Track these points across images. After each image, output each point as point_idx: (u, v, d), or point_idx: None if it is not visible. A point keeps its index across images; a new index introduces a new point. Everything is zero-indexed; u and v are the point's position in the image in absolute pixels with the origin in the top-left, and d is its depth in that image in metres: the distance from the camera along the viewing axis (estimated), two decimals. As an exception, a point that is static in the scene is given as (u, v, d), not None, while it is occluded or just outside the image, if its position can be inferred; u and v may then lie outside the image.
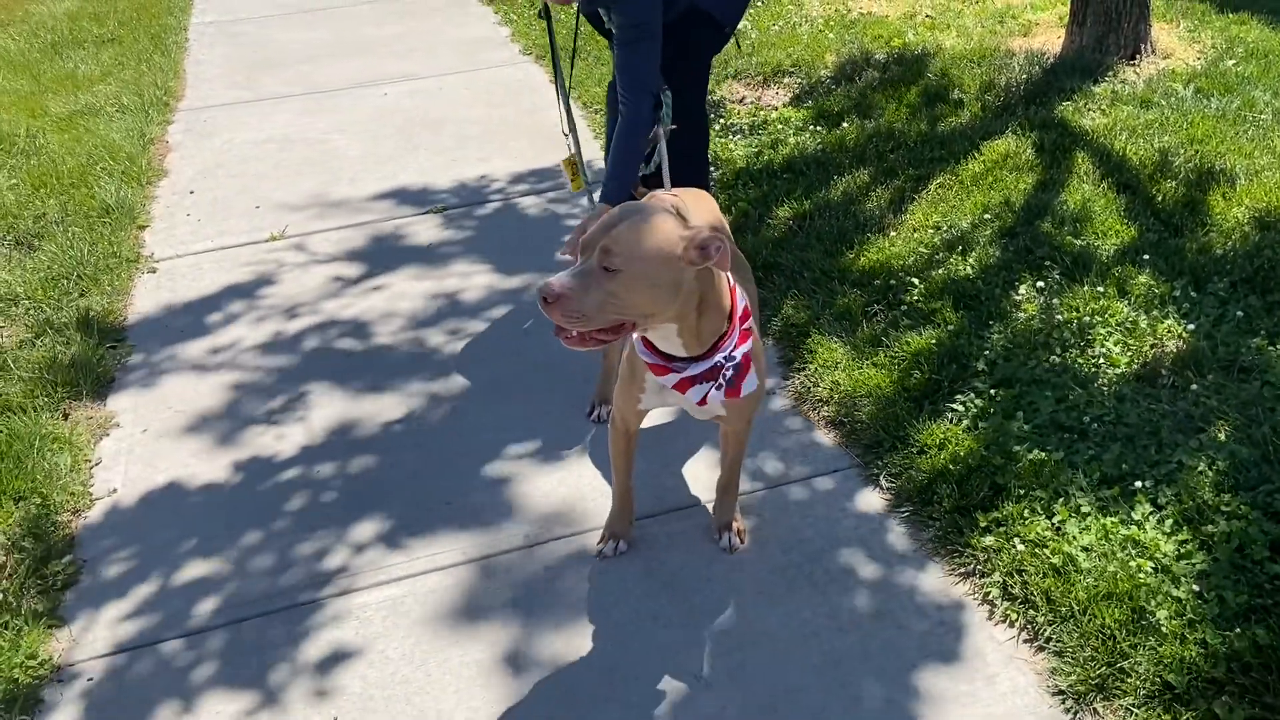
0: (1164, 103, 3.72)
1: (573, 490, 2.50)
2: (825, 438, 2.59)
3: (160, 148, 4.74)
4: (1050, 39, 4.42)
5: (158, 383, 3.02)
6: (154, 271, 3.66)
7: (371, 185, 4.21)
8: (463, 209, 3.97)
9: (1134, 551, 2.05)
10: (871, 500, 2.38)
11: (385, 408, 2.85)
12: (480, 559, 2.31)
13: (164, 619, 2.21)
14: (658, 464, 2.55)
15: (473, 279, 3.46)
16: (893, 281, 3.00)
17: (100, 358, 3.10)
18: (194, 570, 2.34)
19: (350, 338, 3.18)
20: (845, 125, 4.00)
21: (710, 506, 2.38)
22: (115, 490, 2.61)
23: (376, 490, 2.55)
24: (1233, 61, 4.05)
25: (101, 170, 4.35)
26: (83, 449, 2.76)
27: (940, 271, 3.00)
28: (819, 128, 4.06)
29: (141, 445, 2.77)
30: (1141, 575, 1.99)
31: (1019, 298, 2.84)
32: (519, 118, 4.78)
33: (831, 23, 5.20)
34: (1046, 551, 2.08)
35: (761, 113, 4.31)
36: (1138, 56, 3.99)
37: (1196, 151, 3.40)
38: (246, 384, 3.00)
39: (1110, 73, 3.94)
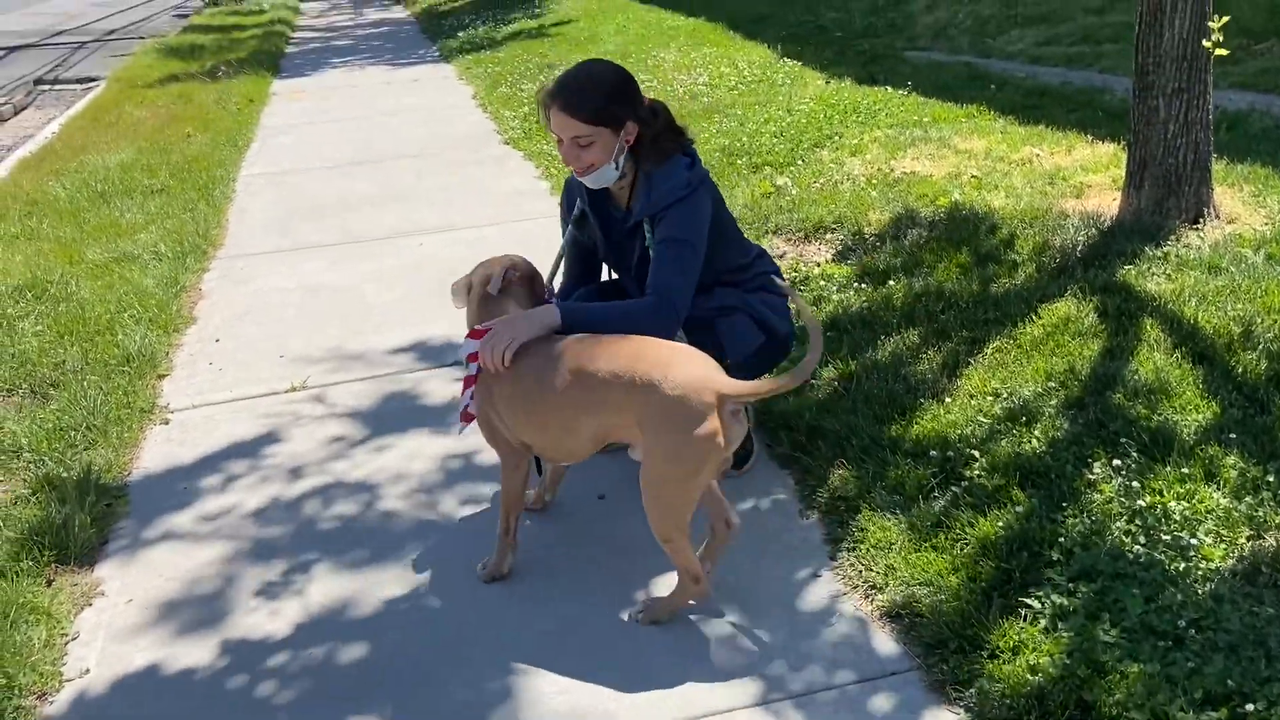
0: (1234, 269, 3.51)
1: (592, 698, 2.21)
2: (880, 633, 2.30)
3: (192, 295, 4.67)
4: (1105, 201, 4.27)
5: (150, 548, 2.81)
6: (166, 423, 3.49)
7: (397, 335, 4.08)
8: (492, 363, 3.79)
9: (1256, 793, 1.72)
10: (938, 716, 2.06)
11: (389, 582, 2.60)
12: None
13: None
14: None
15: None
16: (950, 453, 2.74)
17: (95, 517, 2.90)
18: (160, 772, 2.06)
19: (357, 502, 2.96)
20: (892, 283, 3.83)
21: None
22: (88, 671, 2.36)
23: (375, 681, 2.27)
24: (1302, 226, 3.86)
25: (129, 318, 4.26)
26: (61, 621, 2.52)
27: (1004, 444, 2.74)
28: (864, 285, 3.89)
29: (123, 618, 2.54)
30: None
31: (1093, 477, 2.57)
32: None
33: (874, 180, 5.11)
34: (1149, 789, 1.76)
35: (803, 269, 4.16)
36: (1200, 220, 3.82)
37: (1276, 321, 3.16)
38: (244, 552, 2.77)
39: (1172, 237, 3.75)
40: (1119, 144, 5.10)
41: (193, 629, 2.48)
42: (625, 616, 2.40)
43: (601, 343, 2.35)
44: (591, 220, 2.83)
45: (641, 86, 2.71)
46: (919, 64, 7.73)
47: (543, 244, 5.14)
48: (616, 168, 2.63)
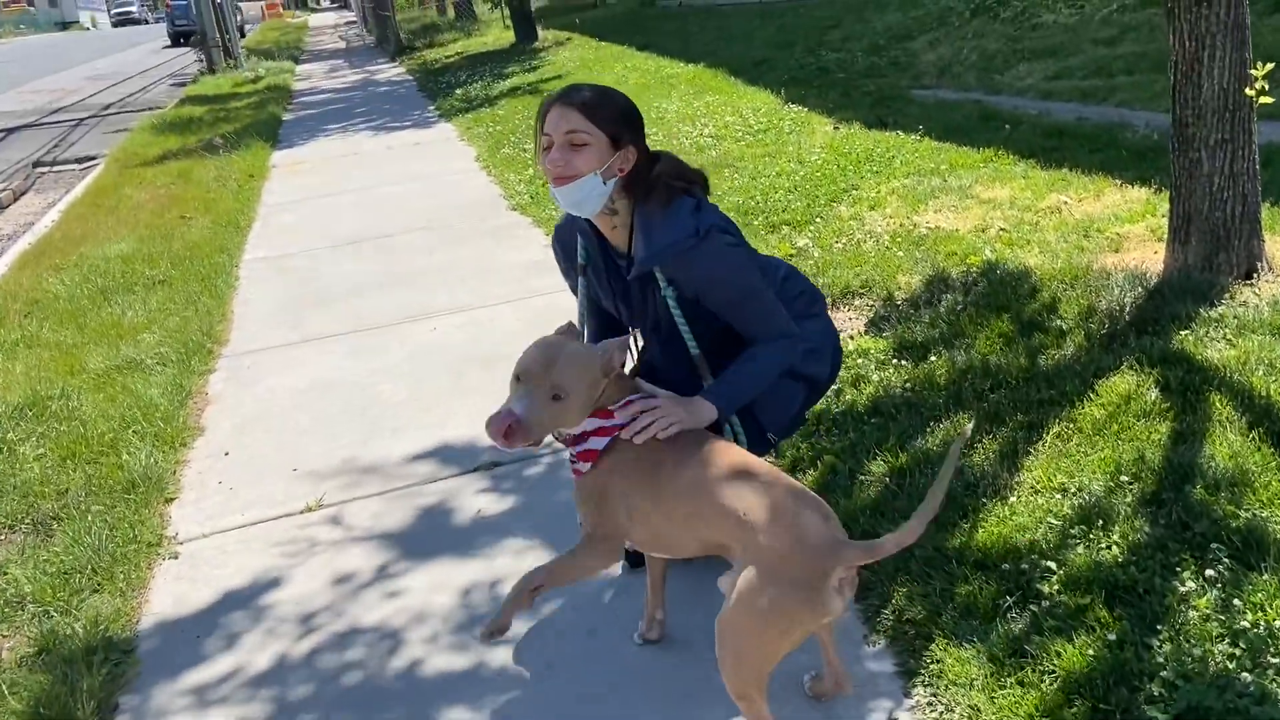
0: (1301, 328, 3.30)
1: None
2: (970, 789, 2.07)
3: (199, 401, 4.49)
4: (1146, 255, 4.07)
5: (166, 714, 2.60)
6: (175, 557, 3.30)
7: (415, 438, 3.88)
8: (511, 465, 3.60)
9: None
10: None
11: (427, 747, 2.38)
12: None
13: None
14: None
15: (523, 559, 3.04)
16: (1024, 565, 2.53)
17: (103, 680, 2.70)
18: None
19: (379, 651, 2.73)
20: (933, 359, 3.63)
21: None
22: None
23: None
24: (1360, 273, 3.65)
25: (134, 434, 4.08)
26: (72, 810, 2.31)
27: (1080, 553, 2.53)
28: (903, 361, 3.69)
29: (138, 805, 2.33)
30: None
31: (1184, 590, 2.35)
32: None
33: (898, 238, 4.93)
34: None
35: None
36: (1254, 275, 3.62)
37: (1354, 386, 2.95)
38: (266, 715, 2.56)
39: (1225, 295, 3.55)
40: (1150, 187, 4.92)
41: (213, 815, 2.27)
42: None
43: (736, 458, 2.19)
44: (593, 266, 2.64)
45: (647, 140, 2.53)
46: (927, 103, 7.57)
47: (559, 320, 4.96)
48: (603, 184, 2.40)
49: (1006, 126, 6.46)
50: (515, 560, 3.05)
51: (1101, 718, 2.09)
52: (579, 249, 2.65)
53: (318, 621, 2.90)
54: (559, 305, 5.04)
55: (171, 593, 3.11)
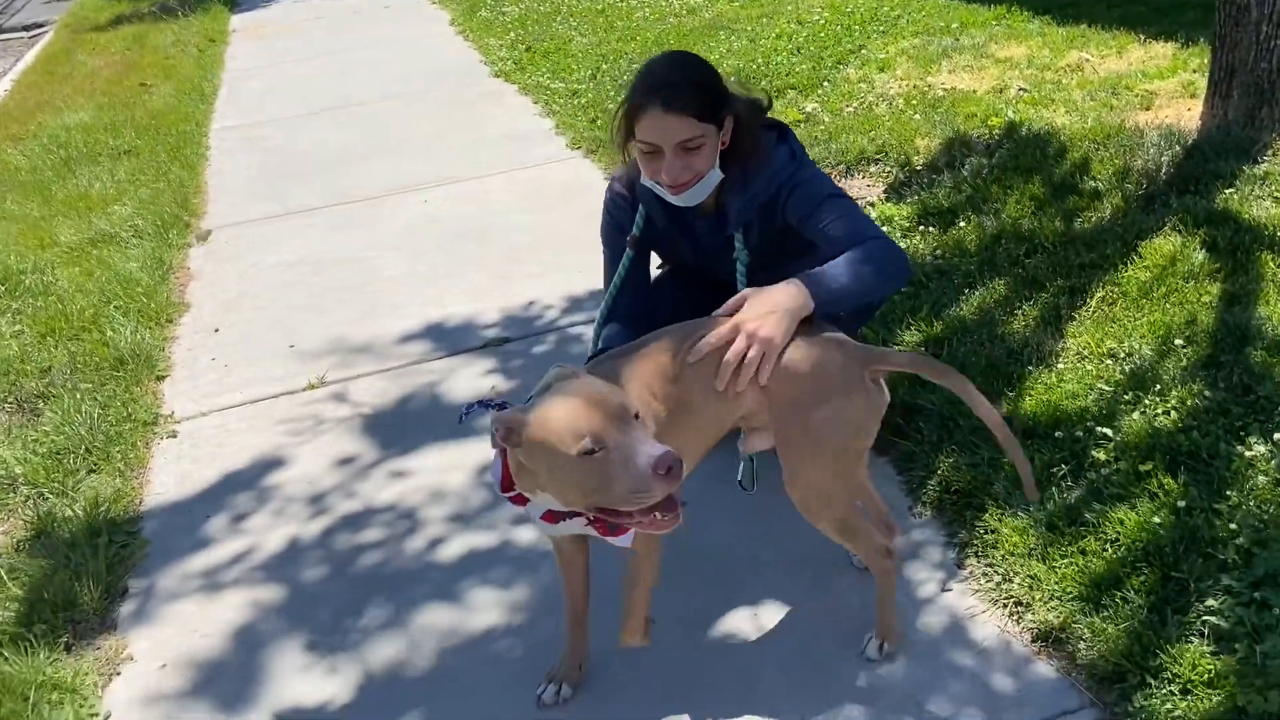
0: (1349, 185, 3.16)
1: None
2: (1037, 661, 2.00)
3: (181, 276, 4.26)
4: (1180, 112, 3.89)
5: (176, 599, 2.47)
6: (174, 436, 3.13)
7: (416, 314, 3.69)
8: (519, 343, 3.43)
9: None
10: (1127, 766, 1.78)
11: (453, 629, 2.28)
12: None
13: None
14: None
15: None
16: (1078, 433, 2.42)
17: (110, 563, 2.56)
18: None
19: (397, 530, 2.61)
20: (962, 224, 3.46)
21: None
22: (129, 764, 2.05)
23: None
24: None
25: (116, 309, 3.86)
26: (88, 698, 2.20)
27: (1135, 419, 2.42)
28: (929, 228, 3.52)
29: (160, 689, 2.22)
30: None
31: (1251, 455, 2.25)
32: (574, 223, 4.27)
33: (912, 101, 4.69)
34: None
35: (856, 210, 3.78)
36: (1298, 131, 3.45)
37: None
38: (284, 599, 2.44)
39: (1268, 151, 3.39)
40: (1176, 42, 4.69)
41: (243, 699, 2.17)
42: (867, 651, 2.04)
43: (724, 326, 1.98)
44: (655, 236, 2.40)
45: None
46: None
47: (553, 193, 4.74)
48: (718, 170, 2.20)
49: (1017, -18, 6.15)
50: (535, 435, 2.91)
51: (1174, 586, 2.01)
52: (637, 220, 2.38)
53: (329, 502, 2.76)
54: (550, 178, 4.81)
55: (174, 472, 2.96)
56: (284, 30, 9.38)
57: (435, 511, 2.66)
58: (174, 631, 2.38)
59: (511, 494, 1.76)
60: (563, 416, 1.57)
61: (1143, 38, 4.82)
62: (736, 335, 1.91)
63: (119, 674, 2.27)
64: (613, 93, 5.74)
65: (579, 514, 1.70)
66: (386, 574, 2.47)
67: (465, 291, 3.81)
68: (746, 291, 2.01)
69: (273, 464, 2.95)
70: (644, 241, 2.39)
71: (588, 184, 4.68)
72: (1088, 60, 4.66)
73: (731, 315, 1.98)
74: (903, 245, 3.43)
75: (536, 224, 4.32)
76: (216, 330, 3.76)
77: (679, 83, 2.12)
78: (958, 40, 5.38)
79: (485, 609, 2.32)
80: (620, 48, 6.54)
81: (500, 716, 2.05)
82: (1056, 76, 4.57)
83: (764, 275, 2.18)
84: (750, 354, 1.89)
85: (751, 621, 2.18)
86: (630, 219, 2.39)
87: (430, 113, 6.11)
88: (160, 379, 3.47)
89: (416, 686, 2.14)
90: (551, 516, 1.74)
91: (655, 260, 2.61)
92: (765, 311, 1.94)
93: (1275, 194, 3.17)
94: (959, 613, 2.14)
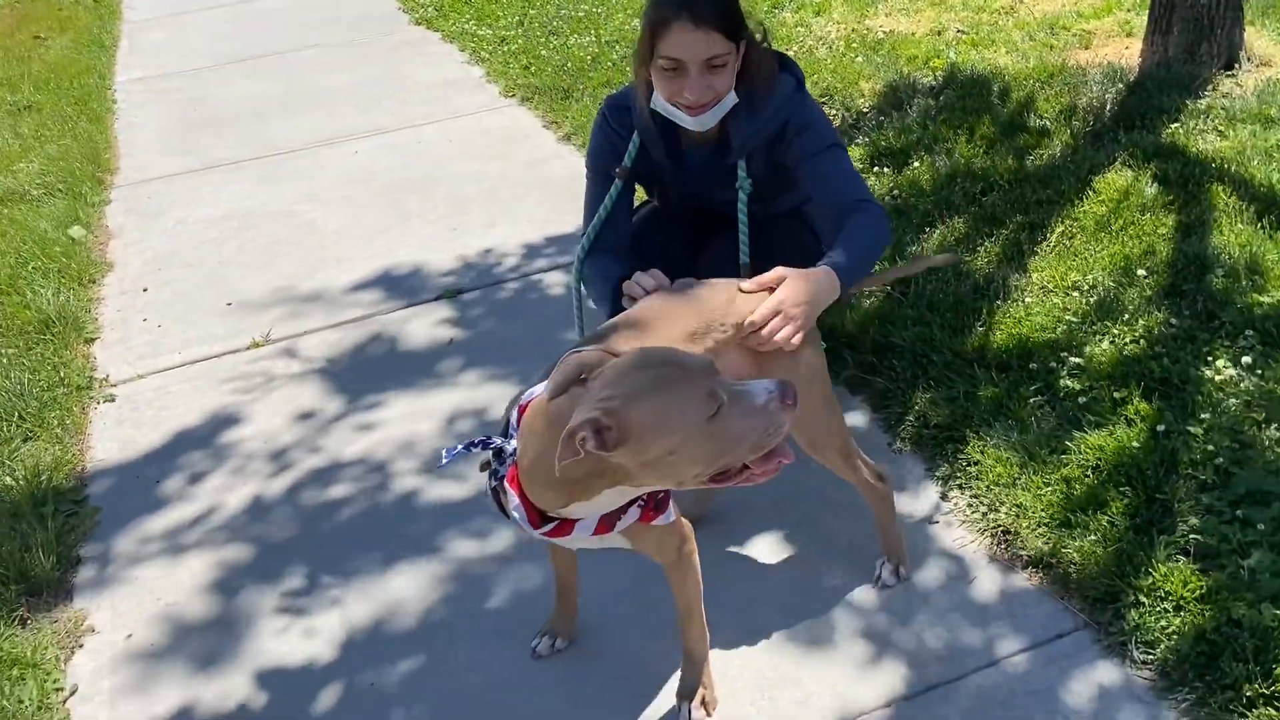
0: (1287, 118, 3.24)
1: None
2: (1028, 586, 2.02)
3: (100, 235, 4.03)
4: (1118, 50, 3.95)
5: (134, 565, 2.35)
6: (111, 400, 2.97)
7: (364, 266, 3.56)
8: (477, 291, 3.34)
9: None
10: (1130, 683, 1.81)
11: (444, 579, 2.21)
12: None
13: None
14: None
15: (504, 389, 2.82)
16: (1052, 363, 2.45)
17: (60, 532, 2.42)
18: None
19: (368, 484, 2.52)
20: (915, 164, 3.46)
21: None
22: (102, 737, 1.95)
23: (456, 708, 1.92)
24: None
25: (34, 270, 3.64)
26: (51, 672, 2.08)
27: (1105, 348, 2.46)
28: (883, 169, 3.52)
29: (125, 660, 2.10)
30: None
31: (1221, 379, 2.30)
32: (519, 172, 4.16)
33: (852, 44, 4.68)
34: None
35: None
36: (1235, 66, 3.53)
37: (1350, 172, 2.92)
38: (251, 559, 2.34)
39: (1209, 86, 3.46)
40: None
41: (217, 663, 2.07)
42: (882, 577, 2.05)
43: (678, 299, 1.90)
44: (647, 166, 2.31)
45: None
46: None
47: (493, 141, 4.60)
48: (734, 94, 2.13)
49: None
50: (498, 387, 2.83)
51: (1159, 508, 2.05)
52: (630, 149, 2.27)
53: (292, 458, 2.65)
54: (488, 126, 4.67)
55: (115, 437, 2.81)
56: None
57: (406, 464, 2.58)
58: (136, 600, 2.26)
59: (550, 526, 1.54)
60: (667, 390, 1.37)
61: (1074, -21, 4.88)
62: (777, 315, 1.84)
63: (81, 646, 2.15)
64: (543, 39, 5.60)
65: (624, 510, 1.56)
66: (360, 530, 2.38)
67: (414, 243, 3.68)
68: (785, 271, 1.91)
69: (224, 422, 2.82)
70: (634, 173, 2.32)
71: (527, 132, 4.57)
72: (1022, 2, 4.70)
73: (768, 289, 1.89)
74: (858, 186, 3.42)
75: (481, 174, 4.19)
76: (145, 290, 3.57)
77: None
78: (891, -16, 5.38)
79: (468, 561, 2.25)
80: (545, -3, 6.38)
81: (490, 665, 2.00)
82: (993, 18, 4.60)
83: (757, 206, 2.13)
84: (780, 336, 1.83)
85: (748, 564, 2.16)
86: (624, 147, 2.30)
87: (350, 63, 5.87)
88: (90, 341, 3.28)
89: (402, 641, 2.08)
90: (606, 525, 1.55)
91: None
92: (804, 300, 1.87)
93: (1219, 128, 3.25)
94: (948, 544, 2.15)
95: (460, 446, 1.59)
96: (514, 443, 1.56)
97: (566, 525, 1.54)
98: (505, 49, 5.59)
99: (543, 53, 5.40)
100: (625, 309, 1.93)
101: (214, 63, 6.22)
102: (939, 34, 4.54)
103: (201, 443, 2.74)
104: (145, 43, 6.87)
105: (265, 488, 2.55)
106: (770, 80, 2.16)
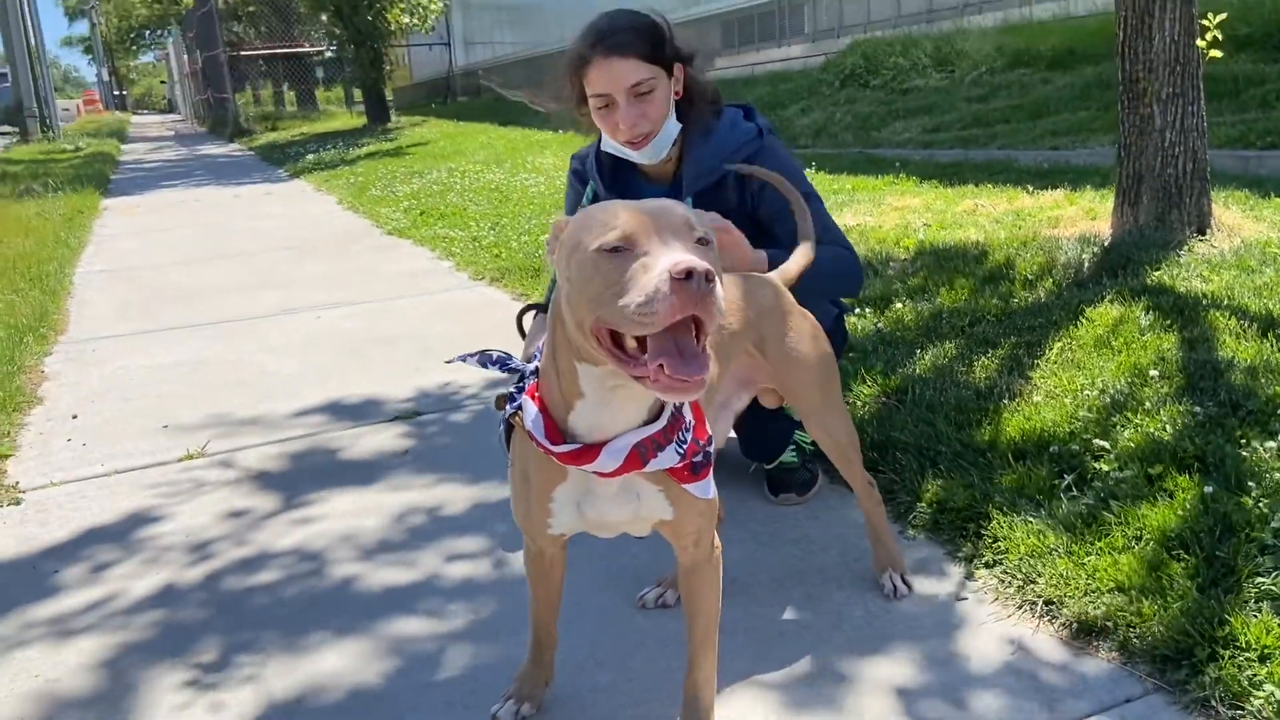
0: (1269, 269, 3.23)
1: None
2: (1083, 653, 1.71)
3: (34, 376, 3.77)
4: (1088, 226, 4.02)
5: (19, 645, 1.94)
6: (17, 504, 2.62)
7: (317, 397, 3.32)
8: (435, 414, 3.10)
9: None
10: (1226, 739, 1.48)
11: (359, 662, 1.84)
12: None
13: None
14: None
15: (461, 491, 2.54)
16: (1074, 446, 2.24)
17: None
18: None
19: (301, 571, 2.18)
20: (898, 306, 3.38)
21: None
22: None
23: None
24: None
25: (-47, 394, 3.34)
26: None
27: (1129, 434, 2.26)
28: (863, 311, 3.42)
29: (-19, 738, 1.68)
30: None
31: (1264, 453, 2.11)
32: (489, 330, 4.03)
33: (822, 234, 4.74)
34: None
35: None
36: (1206, 232, 3.58)
37: (1344, 308, 2.87)
38: (156, 637, 1.95)
39: (1184, 247, 3.48)
40: (1062, 189, 4.95)
41: (92, 743, 1.65)
42: (897, 588, 1.93)
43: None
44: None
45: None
46: (811, 155, 7.62)
47: (466, 308, 4.48)
48: (675, 121, 2.11)
49: (897, 164, 6.52)
50: (456, 488, 2.54)
51: (1220, 567, 1.78)
52: (586, 194, 2.28)
53: (215, 549, 2.30)
54: (458, 301, 4.59)
55: (14, 536, 2.44)
56: (160, 208, 9.14)
57: (347, 553, 2.23)
58: (9, 678, 1.84)
59: (571, 448, 1.31)
60: (605, 210, 1.22)
61: (1030, 189, 5.08)
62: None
63: (-71, 726, 1.72)
64: (514, 236, 5.67)
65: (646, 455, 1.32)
66: (288, 612, 2.01)
67: (372, 381, 3.47)
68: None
69: (142, 521, 2.47)
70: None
71: (498, 303, 4.49)
72: (982, 205, 4.85)
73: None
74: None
75: (450, 332, 4.05)
76: (75, 416, 3.28)
77: (621, 28, 2.03)
78: (853, 196, 5.59)
79: (415, 639, 1.88)
80: (518, 210, 6.55)
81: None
82: (957, 216, 4.72)
83: None
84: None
85: (757, 642, 1.83)
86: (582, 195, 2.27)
87: (322, 259, 5.88)
88: (3, 457, 2.95)
89: (331, 713, 1.68)
90: (636, 458, 1.30)
91: None
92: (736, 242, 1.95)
93: (1203, 274, 3.23)
94: (983, 618, 1.84)
95: (477, 353, 1.46)
96: (534, 364, 1.39)
97: (591, 450, 1.30)
98: (476, 244, 5.63)
99: (513, 244, 5.44)
100: None
101: (183, 259, 6.21)
102: (906, 227, 4.63)
103: (113, 538, 2.38)
104: (113, 248, 6.88)
105: (179, 576, 2.18)
106: (717, 105, 2.14)
